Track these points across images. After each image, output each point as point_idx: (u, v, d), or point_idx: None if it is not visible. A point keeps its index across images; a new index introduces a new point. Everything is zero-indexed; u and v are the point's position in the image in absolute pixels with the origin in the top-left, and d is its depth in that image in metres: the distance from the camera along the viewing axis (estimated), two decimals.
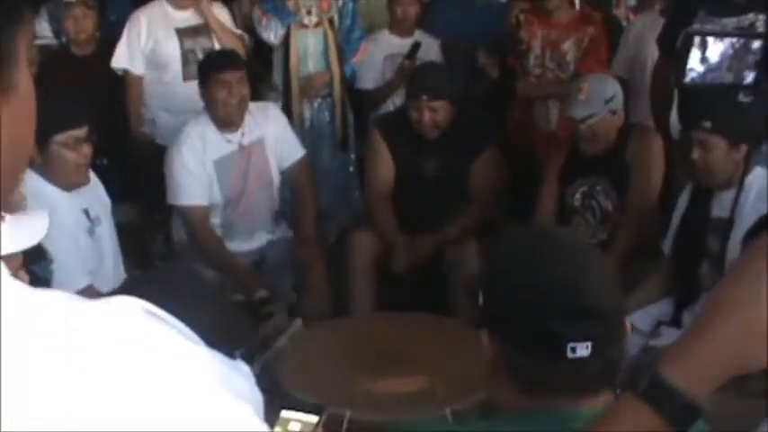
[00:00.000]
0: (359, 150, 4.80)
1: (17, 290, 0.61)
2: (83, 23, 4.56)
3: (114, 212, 3.42)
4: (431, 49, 4.84)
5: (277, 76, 4.70)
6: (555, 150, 4.09)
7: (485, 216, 4.16)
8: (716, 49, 1.79)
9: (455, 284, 3.95)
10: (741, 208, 3.21)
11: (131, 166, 4.52)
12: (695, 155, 3.28)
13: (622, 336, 1.39)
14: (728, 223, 3.23)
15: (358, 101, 4.88)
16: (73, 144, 2.99)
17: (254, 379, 1.06)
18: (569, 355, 1.31)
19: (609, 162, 3.83)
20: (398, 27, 4.89)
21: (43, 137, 2.91)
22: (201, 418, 0.59)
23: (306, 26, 4.67)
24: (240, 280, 3.79)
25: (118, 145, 4.35)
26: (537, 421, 1.35)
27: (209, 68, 3.90)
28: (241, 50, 4.50)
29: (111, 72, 4.55)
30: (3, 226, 0.65)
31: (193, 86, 4.33)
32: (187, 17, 4.51)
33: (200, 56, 4.45)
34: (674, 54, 3.81)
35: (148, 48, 4.51)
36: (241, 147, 3.96)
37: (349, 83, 4.79)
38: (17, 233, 0.65)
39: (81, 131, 3.02)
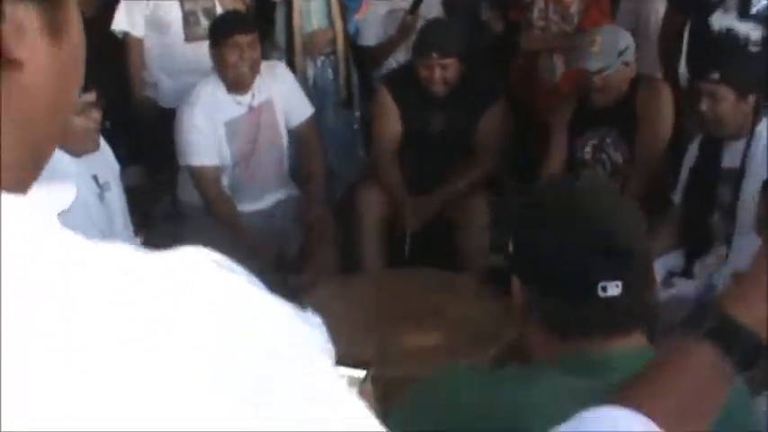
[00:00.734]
0: (363, 108, 4.78)
1: (75, 241, 0.57)
2: None
3: (119, 175, 3.41)
4: (433, 4, 4.79)
5: (280, 34, 4.66)
6: (563, 103, 4.08)
7: (492, 170, 4.16)
8: None
9: (463, 239, 3.96)
10: (752, 158, 3.21)
11: (135, 130, 4.49)
12: (704, 106, 3.27)
13: (651, 279, 1.41)
14: (739, 174, 3.23)
15: (361, 57, 4.85)
16: (81, 109, 2.97)
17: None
18: (600, 294, 1.32)
19: (618, 114, 3.82)
20: None
21: None
22: (291, 374, 0.56)
23: None
24: (249, 242, 3.78)
25: (121, 108, 4.32)
26: (574, 364, 1.36)
27: (220, 31, 3.87)
28: (242, 9, 4.47)
29: (112, 35, 4.50)
30: (30, 194, 0.62)
31: (195, 48, 4.31)
32: None
33: (202, 17, 4.41)
34: (684, 5, 3.80)
35: (149, 9, 4.45)
36: (251, 108, 3.94)
37: (352, 39, 4.75)
38: (43, 200, 0.62)
39: (90, 96, 2.99)
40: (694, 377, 1.09)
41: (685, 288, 3.33)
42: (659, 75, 4.11)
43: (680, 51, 3.91)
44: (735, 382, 1.10)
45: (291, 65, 4.49)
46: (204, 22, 4.42)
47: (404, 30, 4.64)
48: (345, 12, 4.66)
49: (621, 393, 1.12)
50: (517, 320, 1.46)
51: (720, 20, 3.78)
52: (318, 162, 4.14)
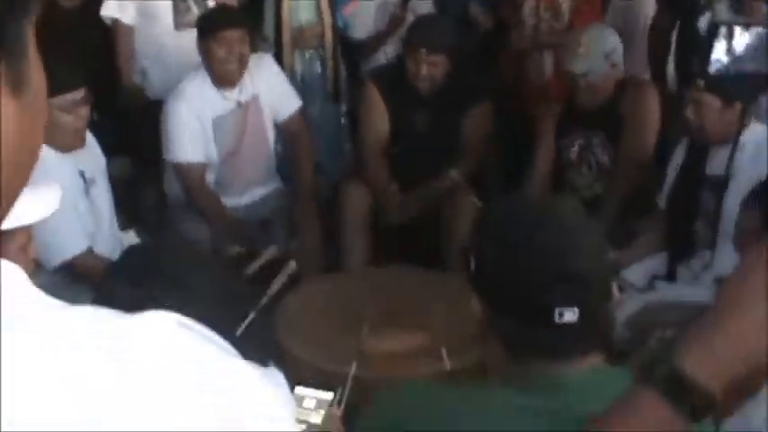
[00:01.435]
0: (350, 102, 4.77)
1: (47, 307, 0.59)
2: None
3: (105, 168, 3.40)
4: None
5: (268, 28, 4.64)
6: (550, 103, 4.08)
7: (477, 169, 4.16)
8: (742, 39, 1.78)
9: (449, 236, 3.97)
10: (736, 166, 3.22)
11: (122, 120, 4.48)
12: (689, 113, 3.28)
13: (610, 300, 1.42)
14: (723, 181, 3.24)
15: (350, 51, 4.84)
16: (70, 107, 2.95)
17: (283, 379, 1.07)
18: (557, 320, 1.34)
19: (605, 115, 3.82)
20: None
21: None
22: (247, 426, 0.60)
23: None
24: (238, 234, 3.79)
25: (108, 98, 4.30)
26: (526, 383, 1.38)
27: (209, 24, 3.83)
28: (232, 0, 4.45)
29: (101, 24, 4.47)
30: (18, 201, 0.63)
31: (184, 37, 4.28)
32: None
33: (193, 4, 4.39)
34: (673, 7, 3.80)
35: None
36: (239, 104, 3.92)
37: (341, 33, 4.74)
38: (30, 206, 0.63)
39: (78, 93, 2.98)
40: (646, 430, 1.10)
41: (667, 292, 3.35)
42: (647, 76, 4.12)
43: (668, 53, 3.91)
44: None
45: (279, 58, 4.47)
46: (195, 10, 4.40)
47: (394, 23, 4.65)
48: (334, 5, 4.64)
49: None
50: (477, 337, 1.48)
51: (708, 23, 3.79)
52: (306, 156, 4.12)
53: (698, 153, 3.38)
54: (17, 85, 0.58)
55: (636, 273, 3.47)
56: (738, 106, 3.22)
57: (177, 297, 1.34)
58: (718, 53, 1.69)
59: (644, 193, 3.76)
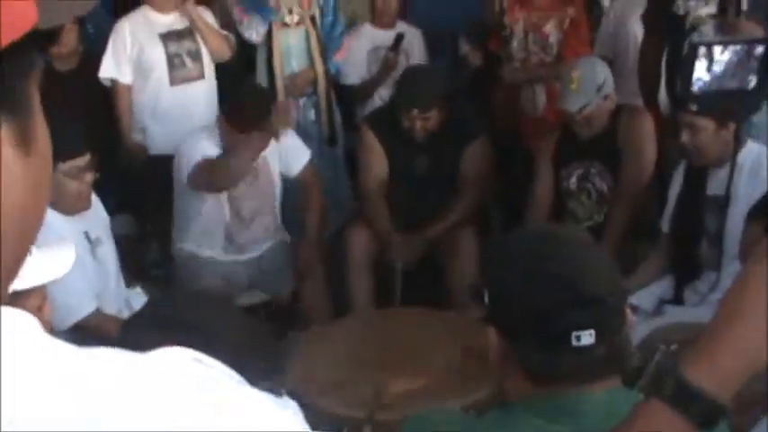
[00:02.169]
0: (347, 146, 4.79)
1: (63, 351, 0.58)
2: (66, 37, 4.48)
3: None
4: (414, 40, 4.84)
5: (261, 77, 4.68)
6: (547, 134, 4.10)
7: (477, 205, 4.18)
8: (722, 57, 1.80)
9: (453, 275, 3.97)
10: (735, 185, 3.23)
11: (124, 178, 4.50)
12: (684, 137, 3.31)
13: (624, 323, 1.44)
14: (724, 201, 3.25)
15: (344, 96, 4.88)
16: (76, 173, 2.98)
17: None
18: (574, 343, 1.36)
19: (602, 144, 3.85)
20: (380, 20, 4.88)
21: None
22: None
23: (287, 25, 4.64)
24: None
25: (109, 158, 4.33)
26: (547, 408, 1.40)
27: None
28: (227, 51, 4.49)
29: (97, 85, 4.51)
30: (30, 259, 0.63)
31: (180, 91, 4.33)
32: (171, 22, 4.46)
33: (186, 59, 4.43)
34: (660, 32, 3.83)
35: (134, 55, 4.46)
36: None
37: (334, 79, 4.77)
38: (44, 265, 0.63)
39: (83, 160, 3.00)
40: None
41: (676, 315, 3.35)
42: (640, 101, 4.14)
43: (660, 77, 3.93)
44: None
45: None
46: (190, 65, 4.45)
47: (386, 67, 4.69)
48: (325, 52, 4.68)
49: None
50: (494, 365, 1.49)
51: None
52: (318, 207, 4.11)
53: (697, 175, 3.40)
54: (24, 144, 0.57)
55: (643, 298, 3.47)
56: (732, 126, 3.24)
57: (201, 344, 1.35)
58: (700, 72, 1.71)
59: (645, 218, 3.77)
